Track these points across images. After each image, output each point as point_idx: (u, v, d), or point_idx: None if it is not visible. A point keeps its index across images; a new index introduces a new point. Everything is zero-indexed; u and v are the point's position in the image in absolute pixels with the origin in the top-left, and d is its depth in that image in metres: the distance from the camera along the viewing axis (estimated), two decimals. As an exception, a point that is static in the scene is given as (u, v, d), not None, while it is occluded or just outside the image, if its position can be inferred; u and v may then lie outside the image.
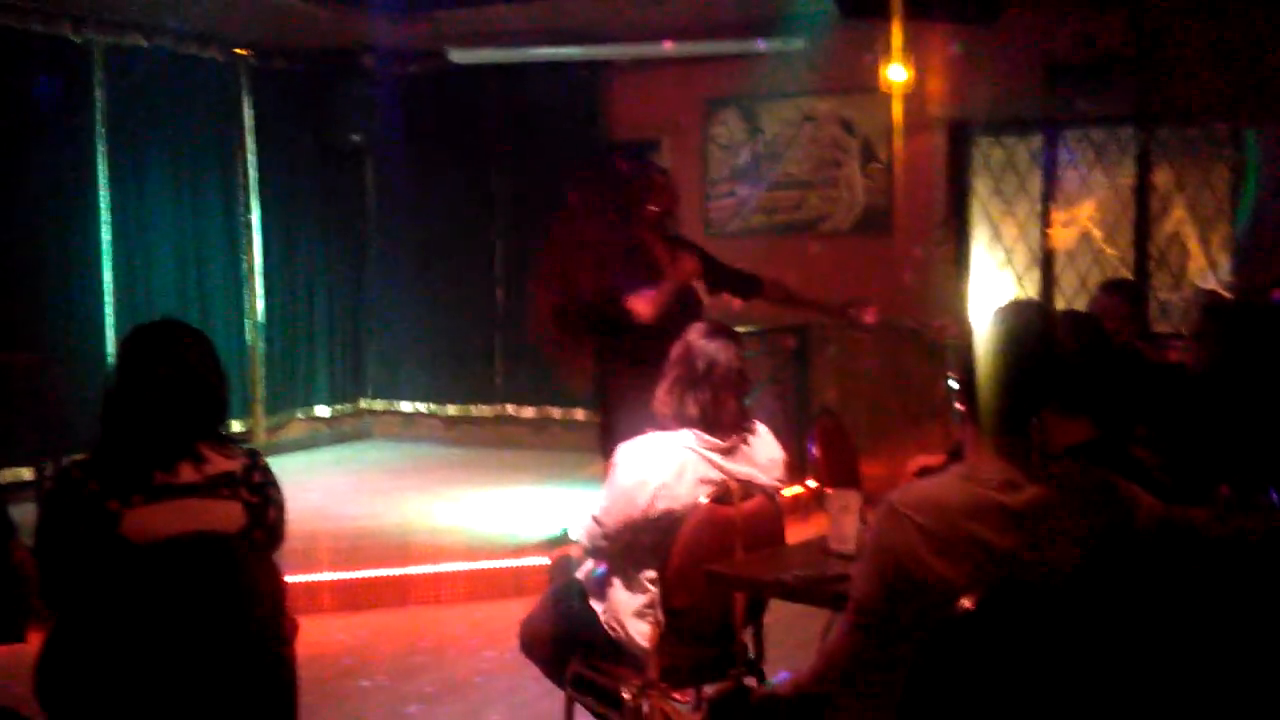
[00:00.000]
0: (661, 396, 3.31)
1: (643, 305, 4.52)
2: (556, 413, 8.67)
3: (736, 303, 5.00)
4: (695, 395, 3.22)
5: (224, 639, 2.69)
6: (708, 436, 3.23)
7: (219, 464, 2.75)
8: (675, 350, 3.33)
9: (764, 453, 3.34)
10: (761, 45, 7.69)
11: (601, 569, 3.35)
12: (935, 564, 2.24)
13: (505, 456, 8.38)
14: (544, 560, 5.64)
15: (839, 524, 3.08)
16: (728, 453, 3.26)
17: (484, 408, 8.86)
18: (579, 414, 8.56)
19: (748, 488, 3.26)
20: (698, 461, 3.21)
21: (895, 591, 2.29)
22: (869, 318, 4.94)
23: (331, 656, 4.90)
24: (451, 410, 8.97)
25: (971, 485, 2.31)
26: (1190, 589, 2.54)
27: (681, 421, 3.23)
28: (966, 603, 2.26)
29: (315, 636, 5.06)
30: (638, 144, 8.49)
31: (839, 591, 2.76)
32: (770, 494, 3.32)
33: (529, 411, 8.76)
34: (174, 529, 2.65)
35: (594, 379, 5.01)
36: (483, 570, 5.66)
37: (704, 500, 3.18)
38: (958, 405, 2.41)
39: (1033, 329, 2.36)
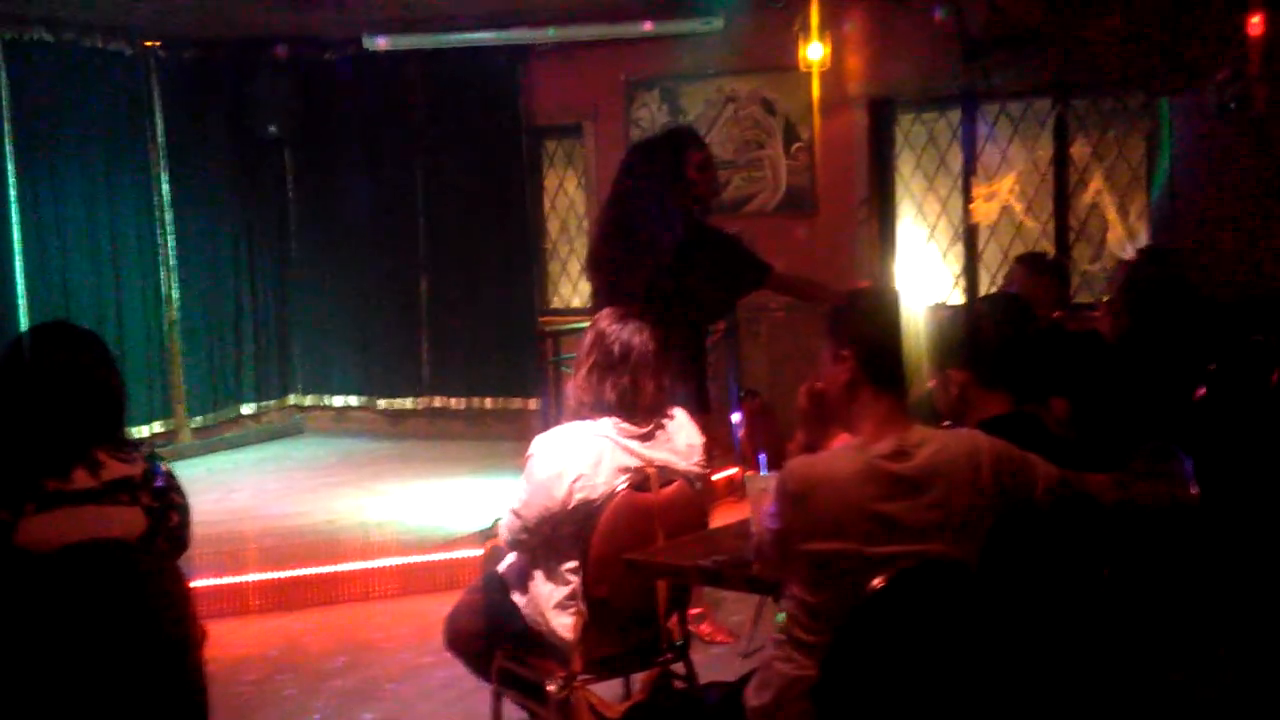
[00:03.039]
0: (578, 383, 3.27)
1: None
2: (488, 402, 8.61)
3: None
4: (613, 381, 3.18)
5: (127, 649, 2.62)
6: (625, 424, 3.19)
7: (116, 469, 2.67)
8: (588, 337, 3.29)
9: (683, 438, 3.31)
10: (679, 26, 7.65)
11: (521, 561, 3.30)
12: (823, 539, 2.32)
13: (438, 448, 8.30)
14: (477, 552, 5.57)
15: (759, 505, 3.06)
16: (646, 439, 3.22)
17: (415, 400, 8.77)
18: (511, 403, 8.50)
19: (666, 473, 3.24)
20: (615, 449, 3.17)
21: (783, 555, 2.41)
22: None
23: (259, 659, 4.82)
24: (382, 403, 8.87)
25: (863, 455, 2.39)
26: (1085, 554, 2.58)
27: (599, 409, 3.19)
28: (877, 582, 2.28)
29: (243, 639, 5.00)
30: (560, 128, 8.45)
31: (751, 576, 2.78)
32: (690, 479, 3.29)
33: (460, 402, 8.68)
34: (70, 537, 2.57)
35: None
36: (414, 564, 5.60)
37: (621, 488, 3.15)
38: (846, 373, 2.47)
39: (894, 300, 2.57)
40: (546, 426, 5.81)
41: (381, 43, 8.11)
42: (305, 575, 5.48)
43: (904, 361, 2.52)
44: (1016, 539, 2.42)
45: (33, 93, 7.37)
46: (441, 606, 5.30)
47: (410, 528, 6.23)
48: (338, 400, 9.05)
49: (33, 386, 2.61)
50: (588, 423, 3.21)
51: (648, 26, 7.71)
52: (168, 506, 2.73)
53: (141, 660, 2.64)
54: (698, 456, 3.33)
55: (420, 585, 5.56)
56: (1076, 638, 2.46)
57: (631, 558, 2.98)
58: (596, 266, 4.75)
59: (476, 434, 8.58)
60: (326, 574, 5.51)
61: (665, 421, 3.28)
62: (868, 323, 2.55)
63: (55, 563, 2.55)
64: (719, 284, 4.72)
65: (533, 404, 8.36)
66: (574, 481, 3.12)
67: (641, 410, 3.22)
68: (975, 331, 2.82)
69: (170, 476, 2.78)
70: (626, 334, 3.22)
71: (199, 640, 2.82)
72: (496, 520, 5.98)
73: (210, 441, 8.43)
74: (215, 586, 5.22)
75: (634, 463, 3.18)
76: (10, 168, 7.30)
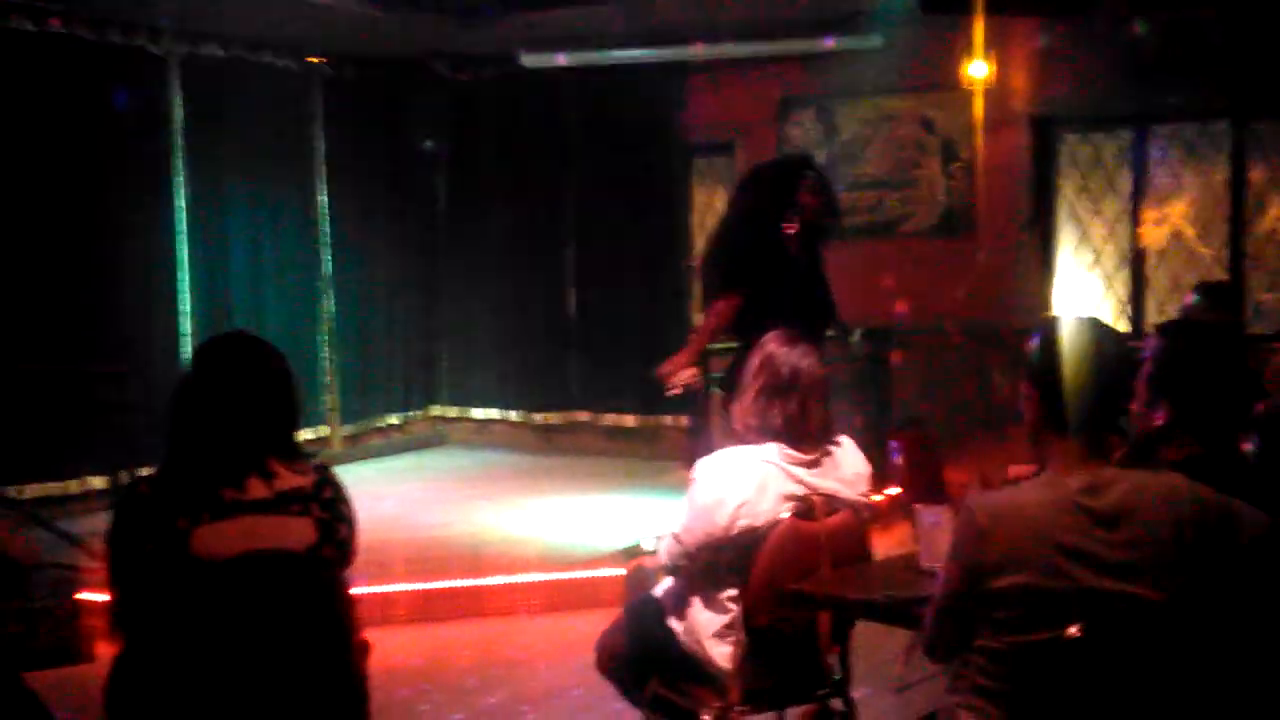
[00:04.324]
0: (743, 407, 3.18)
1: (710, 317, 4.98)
2: (631, 420, 8.58)
3: None
4: (780, 405, 3.09)
5: (294, 660, 2.62)
6: (791, 450, 3.10)
7: (289, 480, 2.68)
8: (755, 359, 3.20)
9: (849, 466, 3.20)
10: (838, 43, 7.53)
11: (680, 587, 3.23)
12: (1012, 574, 2.20)
13: (579, 464, 8.30)
14: (620, 571, 5.53)
15: (930, 540, 2.94)
16: (812, 465, 3.12)
17: (558, 414, 8.79)
18: (655, 421, 8.46)
19: (832, 502, 3.13)
20: (780, 476, 3.08)
21: (973, 596, 2.27)
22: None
23: (405, 670, 4.84)
24: (525, 417, 8.91)
25: (1054, 490, 2.27)
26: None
27: (765, 434, 3.11)
28: (1074, 629, 2.14)
29: (388, 649, 5.02)
30: (710, 145, 8.40)
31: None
32: (856, 509, 3.18)
33: (604, 418, 8.67)
34: (243, 547, 2.58)
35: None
36: (558, 581, 5.57)
37: (786, 516, 3.05)
38: (1029, 409, 2.39)
39: (1109, 337, 2.41)
40: (696, 446, 5.86)
41: (537, 60, 8.17)
42: (451, 588, 5.50)
43: (1097, 399, 2.36)
44: (1220, 586, 2.25)
45: (203, 107, 7.61)
46: (583, 624, 5.31)
47: (553, 543, 6.22)
48: (479, 412, 9.13)
49: (214, 396, 2.63)
50: (753, 448, 3.12)
51: (805, 44, 7.61)
52: (336, 518, 2.73)
53: (309, 671, 2.64)
54: (864, 486, 3.22)
55: (563, 602, 5.53)
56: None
57: (798, 589, 2.88)
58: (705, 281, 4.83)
59: (618, 450, 8.56)
60: (471, 587, 5.53)
61: (832, 448, 3.18)
62: (1050, 360, 2.39)
63: (229, 572, 2.56)
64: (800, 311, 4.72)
65: (676, 422, 8.31)
66: (738, 508, 3.04)
67: (808, 436, 3.12)
68: (1181, 362, 2.63)
69: (339, 488, 2.78)
70: (795, 357, 3.13)
71: (363, 652, 2.82)
72: (639, 540, 6.00)
73: (358, 449, 8.58)
74: (362, 594, 5.26)
75: (799, 490, 3.09)
76: (181, 180, 7.54)
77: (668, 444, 8.36)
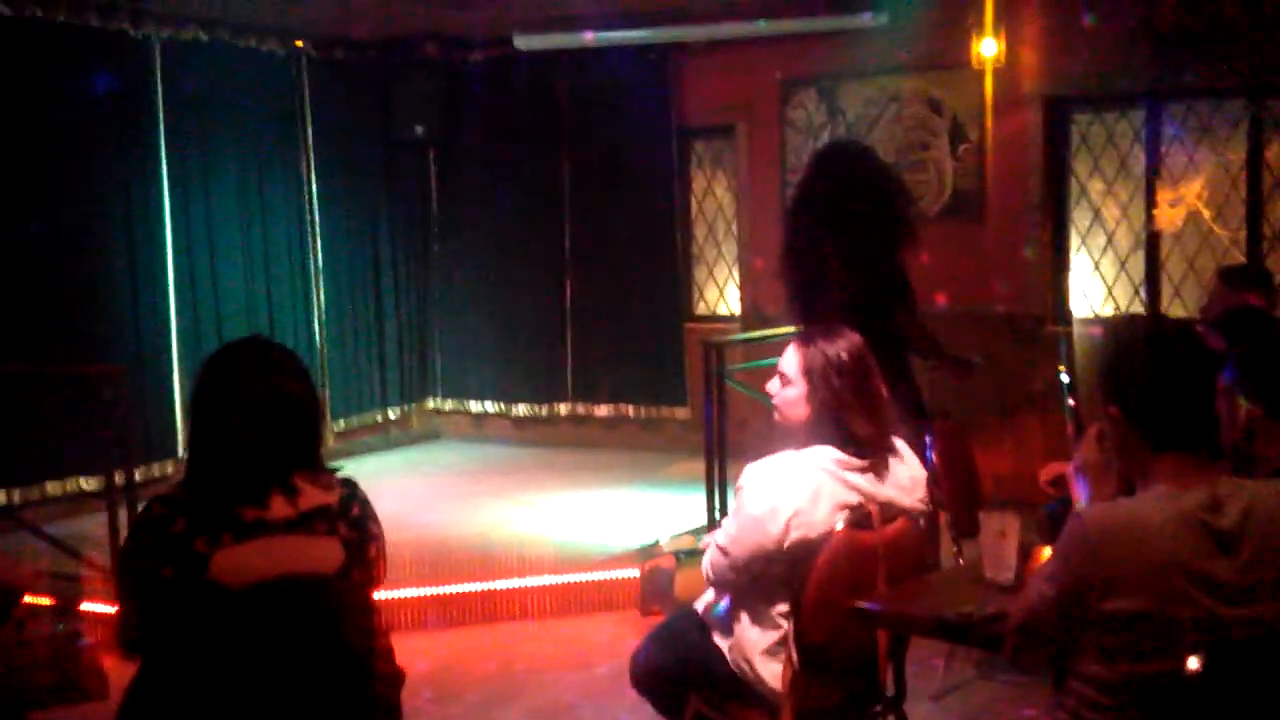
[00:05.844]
0: (790, 409, 2.99)
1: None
2: (630, 410, 8.38)
3: None
4: (834, 409, 2.90)
5: (322, 692, 2.43)
6: (844, 456, 2.91)
7: (314, 497, 2.48)
8: (800, 357, 3.00)
9: (905, 471, 3.01)
10: (840, 21, 7.32)
11: (726, 602, 3.04)
12: (1127, 597, 2.01)
13: (579, 457, 8.11)
14: (634, 573, 5.34)
15: (996, 550, 2.76)
16: (867, 471, 2.93)
17: (556, 406, 8.58)
18: (656, 411, 8.27)
19: (889, 510, 2.94)
20: (834, 483, 2.89)
21: (1076, 618, 2.08)
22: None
23: (420, 678, 4.63)
24: (522, 409, 8.70)
25: (1174, 506, 2.07)
26: None
27: (818, 438, 2.91)
28: (1195, 661, 1.96)
29: (400, 657, 4.82)
30: (709, 129, 8.19)
31: (1000, 632, 2.46)
32: (914, 516, 2.99)
33: (602, 410, 8.47)
34: (267, 570, 2.39)
35: None
36: (571, 584, 5.38)
37: (841, 526, 2.87)
38: (1118, 430, 2.17)
39: (1186, 337, 2.22)
40: (709, 445, 5.66)
41: (531, 42, 7.94)
42: (461, 592, 5.30)
43: (1198, 406, 2.16)
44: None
45: (186, 92, 7.34)
46: (599, 629, 5.14)
47: (563, 543, 6.02)
48: (475, 405, 8.91)
49: (233, 408, 2.42)
50: (804, 453, 2.93)
51: (807, 23, 7.40)
52: (365, 537, 2.54)
53: (338, 704, 2.45)
54: (921, 491, 3.03)
55: (578, 605, 5.36)
56: None
57: (860, 606, 2.69)
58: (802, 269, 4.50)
59: (618, 442, 8.37)
60: (483, 591, 5.33)
61: (888, 453, 2.99)
62: (1134, 372, 2.18)
63: (252, 599, 2.37)
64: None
65: (679, 413, 8.12)
66: (790, 518, 2.85)
67: (863, 442, 2.93)
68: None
69: (367, 504, 2.58)
70: (846, 355, 2.93)
71: (397, 681, 2.63)
72: (656, 540, 5.81)
73: (351, 445, 8.36)
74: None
75: (855, 498, 2.90)
76: (164, 168, 7.29)
77: (668, 435, 8.17)
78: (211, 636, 2.40)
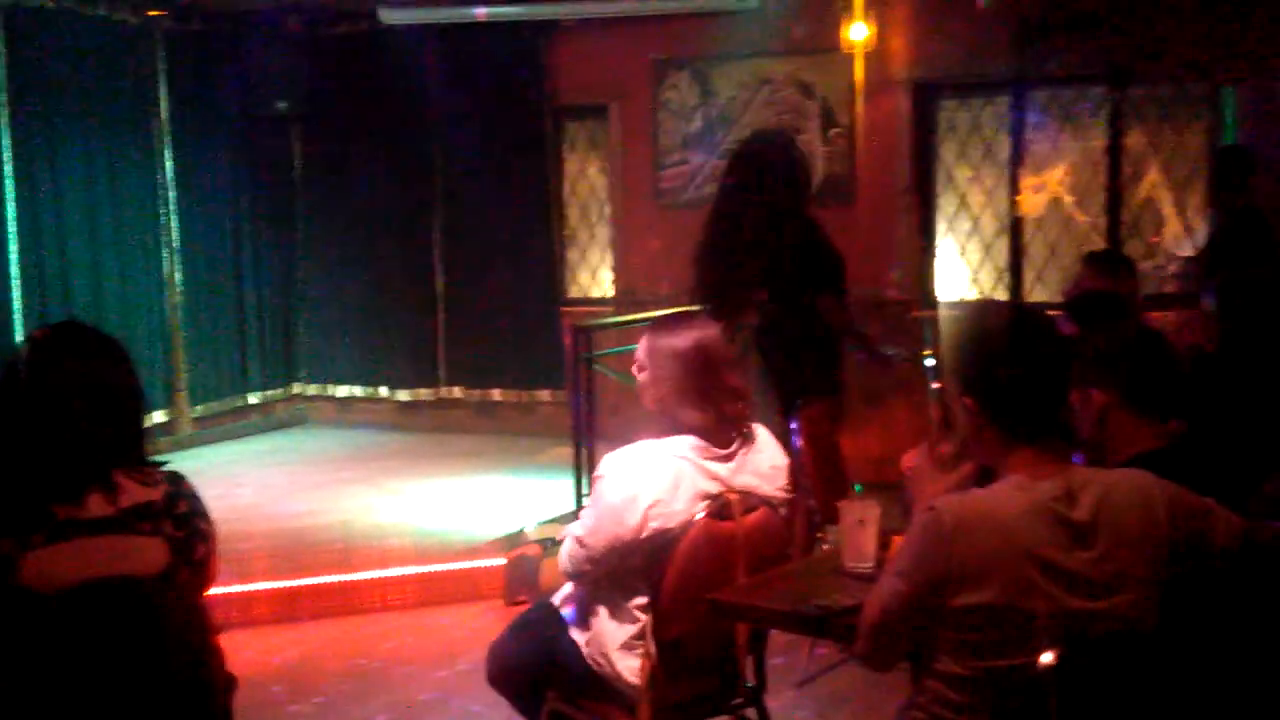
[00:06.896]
0: (651, 397, 2.90)
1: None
2: (499, 394, 8.24)
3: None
4: (694, 396, 2.82)
5: (145, 703, 2.27)
6: (705, 444, 2.83)
7: (136, 494, 2.31)
8: (661, 343, 2.91)
9: (765, 459, 2.95)
10: (711, 2, 7.27)
11: (582, 595, 2.94)
12: (976, 590, 1.97)
13: (449, 442, 7.94)
14: (499, 562, 5.23)
15: (856, 539, 2.71)
16: (727, 460, 2.86)
17: (424, 391, 8.39)
18: (528, 395, 8.14)
19: (749, 499, 2.88)
20: (694, 472, 2.81)
21: (928, 614, 2.03)
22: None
23: (270, 675, 4.46)
24: (390, 394, 8.49)
25: (1028, 494, 2.03)
26: (1273, 614, 2.23)
27: (678, 426, 2.83)
28: (1048, 657, 1.92)
29: (251, 653, 4.63)
30: (582, 109, 8.07)
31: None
32: (774, 505, 2.93)
33: (472, 394, 8.31)
34: (83, 574, 2.22)
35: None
36: (434, 574, 5.24)
37: (700, 516, 2.79)
38: (973, 421, 2.14)
39: (1040, 324, 2.19)
40: (577, 429, 5.56)
41: (397, 16, 7.71)
42: (318, 584, 5.12)
43: (1052, 395, 2.14)
44: (1194, 598, 2.07)
45: (31, 63, 6.96)
46: (463, 620, 5.01)
47: (427, 531, 5.87)
48: (342, 390, 8.68)
49: (44, 398, 2.24)
50: (663, 441, 2.84)
51: (680, 3, 7.32)
52: (193, 536, 2.37)
53: (163, 713, 2.29)
54: (782, 480, 2.97)
55: (440, 596, 5.21)
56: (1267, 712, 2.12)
57: (718, 599, 2.61)
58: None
59: (488, 427, 8.23)
60: (341, 583, 5.15)
61: (749, 440, 2.92)
62: (987, 362, 2.13)
63: (65, 605, 2.20)
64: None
65: (552, 398, 8.00)
66: (649, 508, 2.76)
67: (724, 430, 2.85)
68: (1135, 347, 2.43)
69: (196, 500, 2.42)
70: (686, 344, 2.85)
71: (227, 688, 2.48)
72: (521, 528, 5.69)
73: (210, 431, 8.06)
74: (220, 595, 4.84)
75: (714, 488, 2.82)
76: (6, 143, 6.90)
77: (541, 420, 8.05)
78: (22, 646, 2.23)
